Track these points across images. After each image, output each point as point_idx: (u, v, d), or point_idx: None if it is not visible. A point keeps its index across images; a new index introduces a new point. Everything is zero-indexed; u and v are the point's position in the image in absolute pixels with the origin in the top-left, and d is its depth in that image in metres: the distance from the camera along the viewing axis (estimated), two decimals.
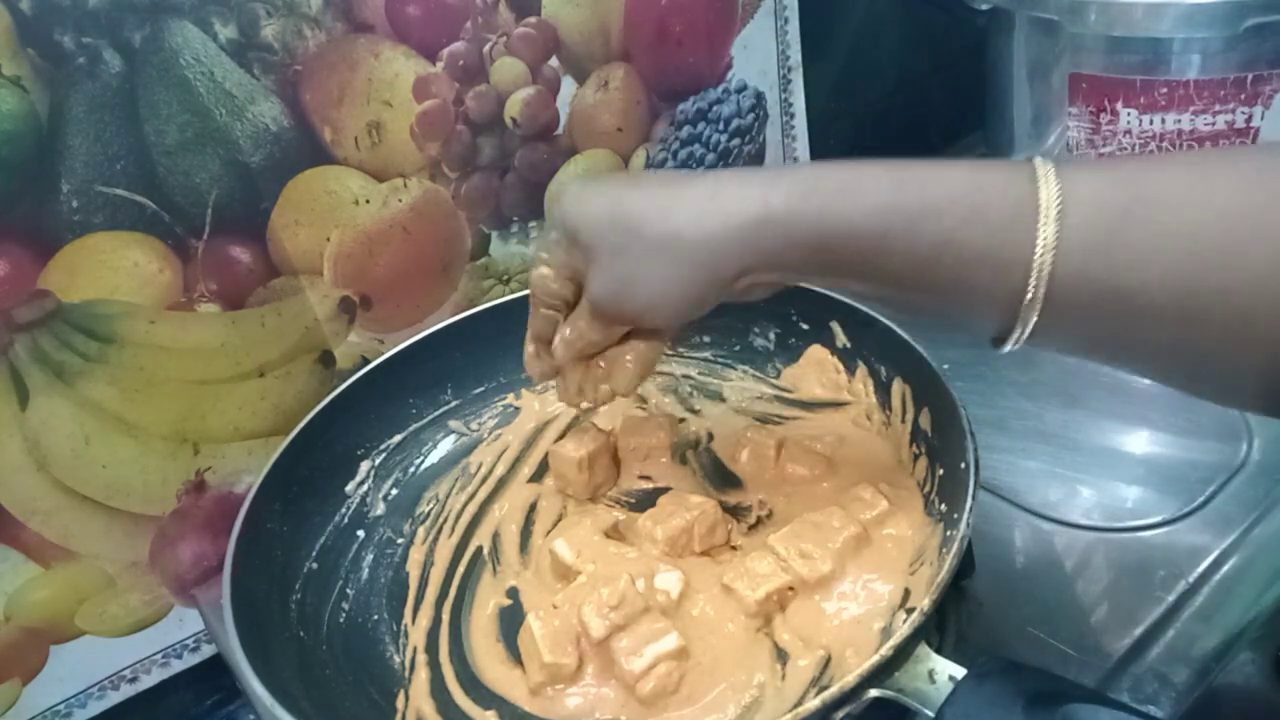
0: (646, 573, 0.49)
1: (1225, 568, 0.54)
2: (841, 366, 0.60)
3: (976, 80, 0.83)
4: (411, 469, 0.62)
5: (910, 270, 0.39)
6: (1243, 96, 0.66)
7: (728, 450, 0.59)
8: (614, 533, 0.53)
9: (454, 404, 0.65)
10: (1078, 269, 0.36)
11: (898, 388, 0.55)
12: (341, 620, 0.53)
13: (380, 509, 0.60)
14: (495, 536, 0.57)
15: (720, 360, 0.66)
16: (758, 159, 0.80)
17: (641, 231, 0.42)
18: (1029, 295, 0.37)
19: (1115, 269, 0.36)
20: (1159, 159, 0.39)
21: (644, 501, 0.57)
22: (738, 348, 0.65)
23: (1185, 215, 0.36)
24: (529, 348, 0.53)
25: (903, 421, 0.54)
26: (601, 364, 0.51)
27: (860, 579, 0.48)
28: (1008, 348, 0.40)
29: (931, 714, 0.38)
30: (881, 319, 0.56)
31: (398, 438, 0.62)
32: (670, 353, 0.67)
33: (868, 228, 0.39)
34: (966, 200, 0.38)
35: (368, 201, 0.62)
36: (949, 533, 0.46)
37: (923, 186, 0.38)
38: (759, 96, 0.78)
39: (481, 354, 0.65)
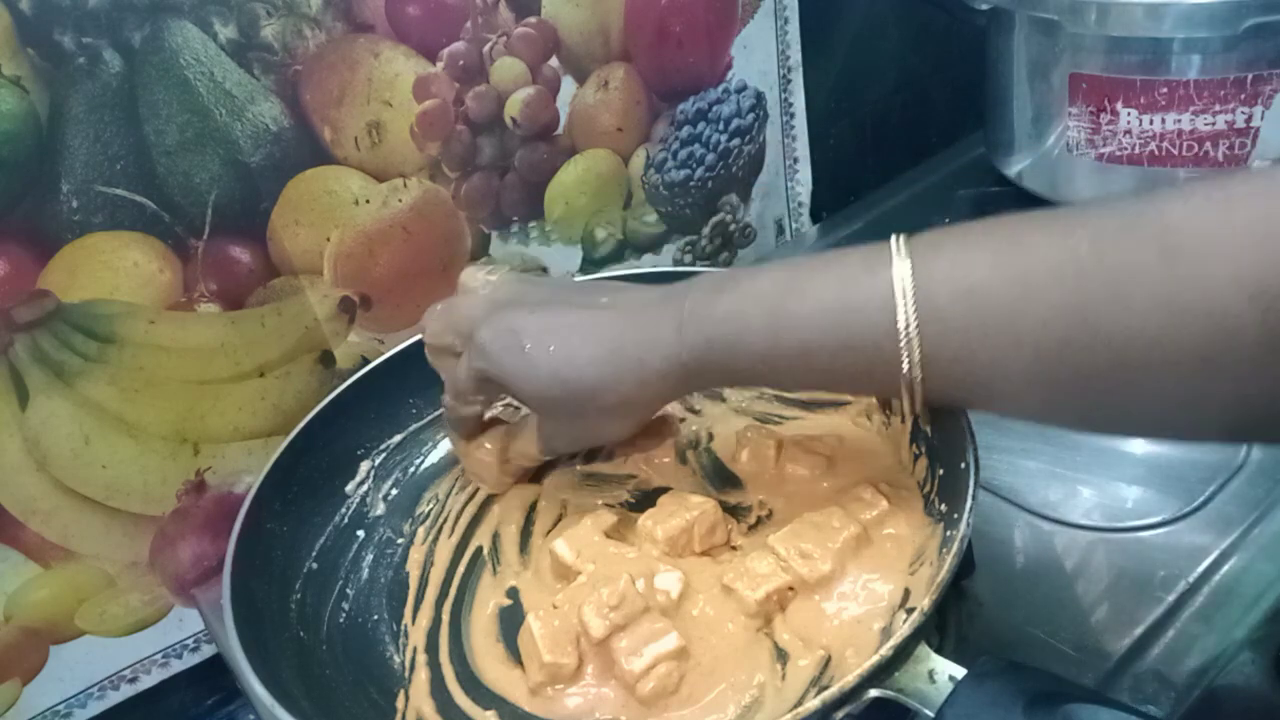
0: (646, 573, 0.49)
1: (1225, 568, 0.54)
2: None
3: (976, 80, 0.83)
4: (411, 469, 0.62)
5: (803, 384, 0.48)
6: (1243, 96, 0.66)
7: (728, 450, 0.59)
8: (614, 533, 0.53)
9: None
10: (946, 372, 0.40)
11: None
12: (341, 620, 0.53)
13: (380, 509, 0.59)
14: (495, 536, 0.57)
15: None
16: (758, 159, 0.80)
17: (594, 402, 0.48)
18: (907, 398, 0.42)
19: (977, 368, 0.40)
20: (996, 242, 0.41)
21: (644, 501, 0.57)
22: None
23: (1029, 307, 0.38)
24: (488, 461, 0.58)
25: (903, 421, 0.54)
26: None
27: (860, 579, 0.48)
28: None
29: (931, 714, 0.38)
30: None
31: (398, 438, 0.62)
32: None
33: (757, 370, 0.45)
34: (835, 334, 0.42)
35: (368, 201, 0.62)
36: (949, 533, 0.46)
37: (795, 331, 0.43)
38: (759, 96, 0.78)
39: None
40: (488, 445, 0.58)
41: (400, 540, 0.58)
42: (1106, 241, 0.37)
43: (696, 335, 0.45)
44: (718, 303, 0.45)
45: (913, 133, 0.95)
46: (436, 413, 0.64)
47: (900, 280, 0.40)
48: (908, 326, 0.40)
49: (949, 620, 0.51)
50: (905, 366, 0.40)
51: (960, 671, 0.39)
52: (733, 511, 0.55)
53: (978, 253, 0.40)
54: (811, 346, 0.42)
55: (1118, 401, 0.38)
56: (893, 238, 0.42)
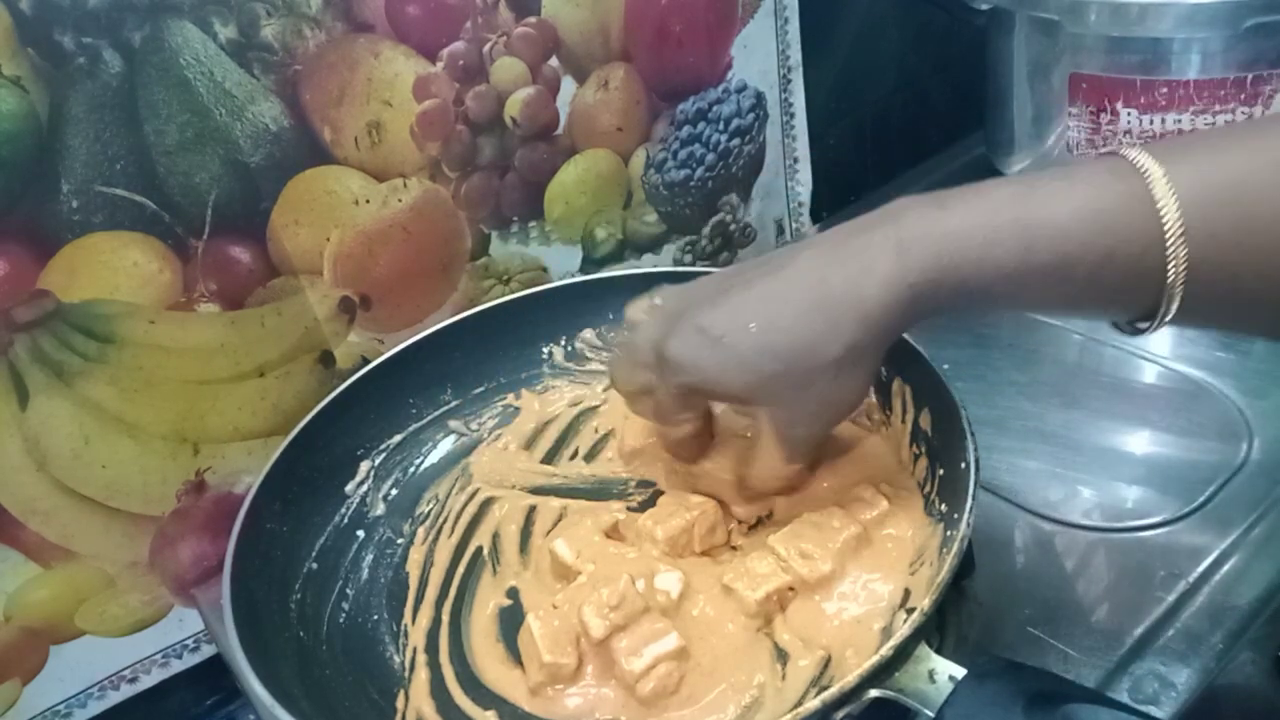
0: (646, 573, 0.49)
1: (1225, 568, 0.54)
2: None
3: (976, 80, 0.83)
4: (411, 469, 0.62)
5: (1049, 304, 0.43)
6: (1243, 96, 0.66)
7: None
8: (614, 533, 0.53)
9: (454, 404, 0.64)
10: (1209, 279, 0.38)
11: (898, 388, 0.55)
12: (341, 620, 0.53)
13: (380, 509, 0.59)
14: (495, 536, 0.57)
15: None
16: (758, 159, 0.80)
17: (817, 360, 0.43)
18: (1163, 308, 0.39)
19: (1244, 267, 0.38)
20: (1241, 140, 0.40)
21: (644, 501, 0.57)
22: None
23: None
24: (728, 481, 0.53)
25: (903, 421, 0.54)
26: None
27: (860, 579, 0.48)
28: (1137, 336, 0.42)
29: (931, 714, 0.38)
30: None
31: (398, 438, 0.62)
32: None
33: (1004, 289, 0.41)
34: (1097, 247, 0.39)
35: (368, 201, 0.62)
36: (949, 533, 0.46)
37: (1052, 243, 0.39)
38: (759, 96, 0.78)
39: (481, 354, 0.65)
40: (725, 477, 0.53)
41: (400, 540, 0.58)
42: None
43: (925, 255, 0.41)
44: (947, 218, 0.41)
45: (913, 133, 0.95)
46: (437, 413, 0.64)
47: (1159, 183, 0.38)
48: (1173, 231, 0.38)
49: (949, 620, 0.52)
50: (1170, 276, 0.38)
51: (960, 671, 0.39)
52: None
53: (1227, 154, 0.39)
54: (1070, 260, 0.39)
55: None
56: (1122, 148, 0.40)
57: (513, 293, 0.68)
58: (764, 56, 0.77)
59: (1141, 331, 0.42)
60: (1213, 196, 0.38)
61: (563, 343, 0.67)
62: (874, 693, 0.39)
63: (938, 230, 0.41)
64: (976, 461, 0.46)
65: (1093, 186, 0.40)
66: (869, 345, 0.43)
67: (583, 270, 0.74)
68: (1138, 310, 0.41)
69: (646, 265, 0.77)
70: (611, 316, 0.68)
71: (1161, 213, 0.38)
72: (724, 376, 0.45)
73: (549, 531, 0.56)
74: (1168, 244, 0.38)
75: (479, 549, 0.57)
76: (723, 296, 0.45)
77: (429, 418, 0.64)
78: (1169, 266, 0.38)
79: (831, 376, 0.44)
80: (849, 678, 0.38)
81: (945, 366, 0.51)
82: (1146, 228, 0.38)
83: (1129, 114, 0.69)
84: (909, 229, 0.41)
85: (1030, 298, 0.42)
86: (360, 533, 0.58)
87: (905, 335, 0.53)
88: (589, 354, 0.67)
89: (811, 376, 0.44)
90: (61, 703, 0.59)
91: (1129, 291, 0.40)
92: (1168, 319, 0.40)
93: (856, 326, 0.42)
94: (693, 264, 0.80)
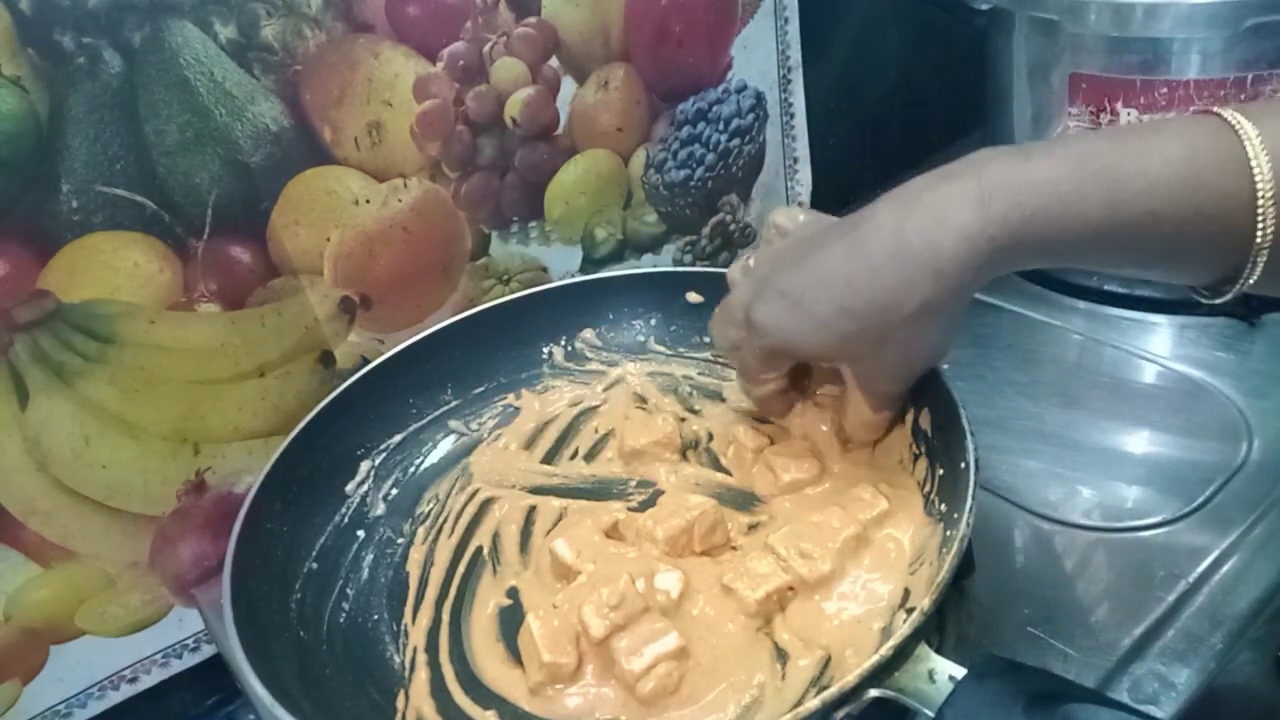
0: (646, 573, 0.49)
1: (1225, 568, 0.54)
2: None
3: (976, 80, 0.83)
4: (411, 469, 0.62)
5: (1129, 262, 0.42)
6: (1243, 97, 0.66)
7: (724, 450, 0.59)
8: (614, 533, 0.53)
9: (454, 404, 0.65)
10: None
11: None
12: (341, 620, 0.53)
13: (380, 509, 0.59)
14: (495, 536, 0.57)
15: (720, 360, 0.66)
16: (758, 159, 0.80)
17: (893, 316, 0.42)
18: (1247, 271, 0.39)
19: None
20: None
21: (644, 501, 0.57)
22: None
23: None
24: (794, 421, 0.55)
25: (903, 421, 0.54)
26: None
27: (860, 579, 0.48)
28: (1217, 301, 0.42)
29: (931, 714, 0.38)
30: None
31: (398, 438, 0.62)
32: (670, 353, 0.67)
33: (1087, 244, 0.40)
34: (1186, 204, 0.38)
35: (368, 201, 0.62)
36: (949, 533, 0.46)
37: (1138, 199, 0.39)
38: (759, 96, 0.78)
39: (481, 354, 0.65)
40: (823, 428, 0.54)
41: (400, 540, 0.58)
42: None
43: (1008, 206, 0.39)
44: (1032, 169, 0.40)
45: (913, 133, 0.95)
46: (437, 413, 0.64)
47: (1252, 142, 0.38)
48: (1266, 191, 0.37)
49: (949, 620, 0.52)
50: (1259, 237, 0.38)
51: (960, 671, 0.39)
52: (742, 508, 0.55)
53: None
54: (1158, 215, 0.38)
55: None
56: (1215, 106, 0.39)
57: (513, 293, 0.68)
58: (764, 56, 0.77)
59: (1222, 295, 0.41)
60: None
61: (563, 343, 0.67)
62: (874, 692, 0.39)
63: (1022, 181, 0.40)
64: (976, 461, 0.46)
65: (1184, 142, 0.39)
66: (946, 300, 0.42)
67: (583, 270, 0.74)
68: (1218, 272, 0.40)
69: (646, 265, 0.77)
70: (611, 316, 0.68)
71: (1255, 172, 0.37)
72: (803, 338, 0.45)
73: (549, 531, 0.56)
74: (1259, 204, 0.37)
75: (479, 549, 0.57)
76: (806, 257, 0.45)
77: (429, 418, 0.64)
78: (1258, 227, 0.38)
79: (908, 332, 0.43)
80: (849, 678, 0.38)
81: (945, 366, 0.51)
82: (1238, 187, 0.38)
83: (1129, 114, 0.69)
84: (991, 179, 0.40)
85: (1112, 253, 0.41)
86: (360, 532, 0.58)
87: None
88: (589, 354, 0.67)
89: (888, 333, 0.43)
90: (61, 703, 0.59)
91: (1213, 252, 0.39)
92: (1250, 282, 0.39)
93: (932, 282, 0.41)
94: (692, 264, 0.80)
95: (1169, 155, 0.39)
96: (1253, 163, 0.38)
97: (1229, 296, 0.41)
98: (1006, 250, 0.40)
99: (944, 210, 0.41)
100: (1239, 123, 0.38)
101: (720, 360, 0.66)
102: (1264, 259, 0.39)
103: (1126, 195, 0.39)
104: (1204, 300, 0.43)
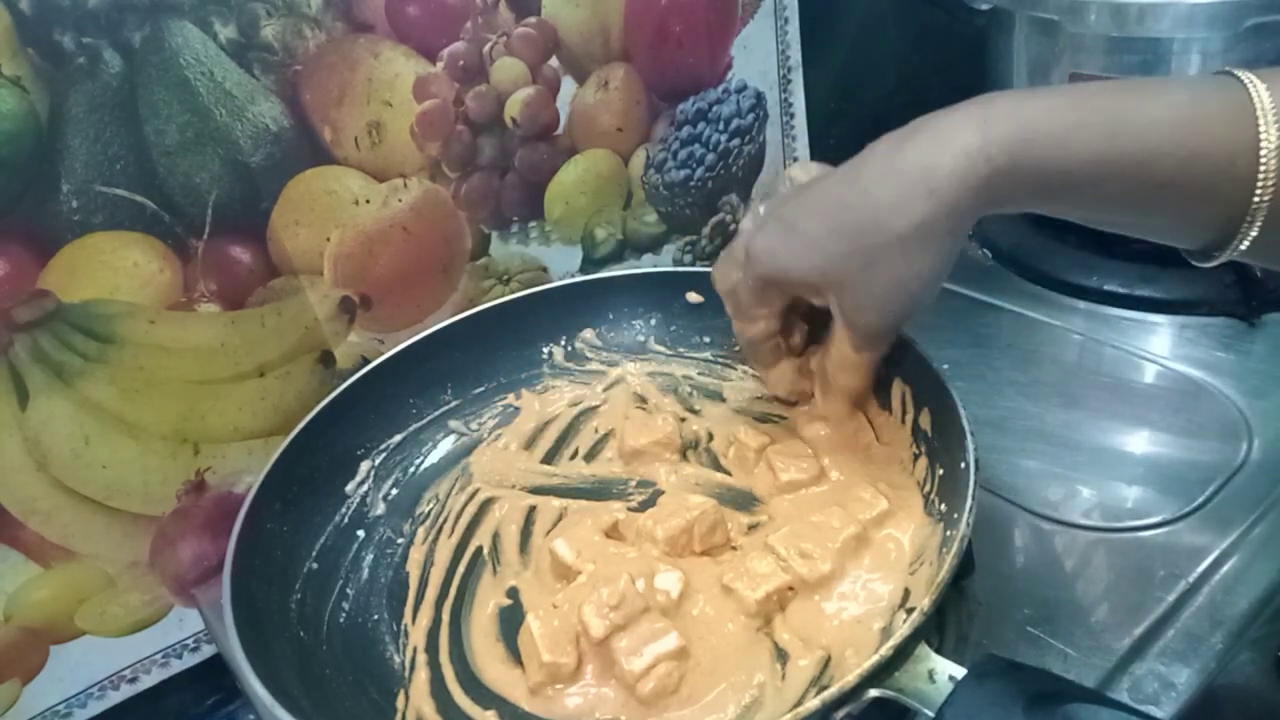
0: (646, 573, 0.49)
1: (1225, 568, 0.54)
2: None
3: (976, 80, 0.83)
4: (411, 469, 0.62)
5: (1126, 203, 0.40)
6: None
7: (725, 450, 0.59)
8: (614, 533, 0.53)
9: (454, 404, 0.65)
10: None
11: (897, 388, 0.55)
12: (341, 620, 0.53)
13: (380, 509, 0.59)
14: (495, 536, 0.57)
15: (720, 360, 0.66)
16: (758, 159, 0.80)
17: (883, 235, 0.41)
18: (1242, 231, 0.39)
19: None
20: None
21: (644, 501, 0.57)
22: (737, 348, 0.65)
23: None
24: (776, 373, 0.54)
25: (902, 421, 0.54)
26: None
27: (860, 579, 0.48)
28: (1209, 264, 0.41)
29: (931, 714, 0.38)
30: None
31: (398, 438, 0.62)
32: (670, 353, 0.67)
33: (1085, 175, 0.39)
34: (1187, 144, 0.38)
35: (368, 201, 0.62)
36: (949, 533, 0.46)
37: (1141, 133, 0.38)
38: (759, 96, 0.78)
39: (481, 354, 0.65)
40: (822, 431, 0.55)
41: (400, 540, 0.58)
42: None
43: (1008, 130, 0.39)
44: (1034, 98, 0.40)
45: None
46: (437, 413, 0.64)
47: (1260, 95, 0.38)
48: (1269, 142, 0.37)
49: (949, 620, 0.51)
50: (1258, 191, 0.38)
51: (960, 671, 0.39)
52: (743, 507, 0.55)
53: None
54: (1159, 152, 0.38)
55: None
56: (1223, 69, 0.39)
57: (513, 293, 0.68)
58: (764, 56, 0.77)
59: (1213, 259, 0.41)
60: None
61: (563, 343, 0.67)
62: (874, 692, 0.39)
63: (1023, 106, 0.40)
64: (976, 461, 0.46)
65: (1192, 89, 0.39)
66: (939, 222, 0.41)
67: (583, 270, 0.74)
68: (1215, 229, 0.40)
69: (646, 265, 0.78)
70: (611, 316, 0.68)
71: (1260, 124, 0.37)
72: (794, 260, 0.45)
73: (549, 531, 0.56)
74: (1261, 155, 0.37)
75: (479, 549, 0.57)
76: (806, 188, 0.45)
77: (429, 418, 0.64)
78: (1258, 180, 0.37)
79: (897, 254, 0.42)
80: (849, 677, 0.38)
81: (945, 366, 0.51)
82: (1240, 135, 0.38)
83: None
84: (994, 106, 0.40)
85: (1110, 192, 0.40)
86: (360, 532, 0.58)
87: (905, 335, 0.53)
88: (589, 354, 0.67)
89: (876, 254, 0.42)
90: (61, 703, 0.59)
91: (1211, 202, 0.39)
92: (1244, 245, 0.39)
93: (925, 199, 0.40)
94: (693, 264, 0.80)
95: (1175, 97, 0.39)
96: (1258, 113, 0.38)
97: (1219, 260, 0.41)
98: (1003, 174, 0.39)
99: (944, 132, 0.41)
100: (1249, 79, 0.38)
101: (721, 359, 0.66)
102: (1261, 219, 0.38)
103: (1128, 128, 0.38)
104: (1195, 263, 0.42)
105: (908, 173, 0.41)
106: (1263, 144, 0.37)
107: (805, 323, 0.54)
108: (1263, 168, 0.37)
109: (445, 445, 0.63)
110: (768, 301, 0.50)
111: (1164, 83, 0.40)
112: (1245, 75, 0.39)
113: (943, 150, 0.40)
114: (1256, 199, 0.38)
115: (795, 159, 0.83)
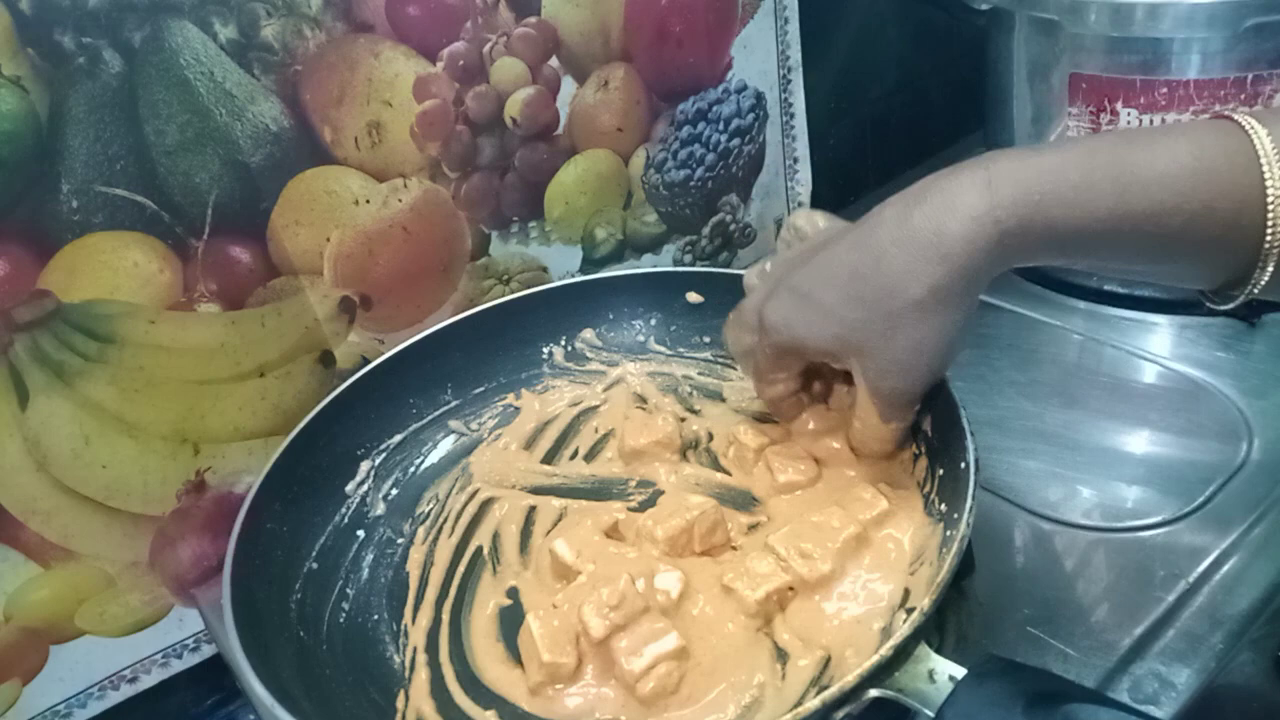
0: (646, 573, 0.49)
1: (1225, 568, 0.54)
2: None
3: (976, 80, 0.83)
4: (411, 469, 0.62)
5: (1139, 256, 0.41)
6: (1243, 96, 0.66)
7: (725, 450, 0.59)
8: (614, 533, 0.53)
9: (454, 404, 0.65)
10: None
11: None
12: (341, 620, 0.53)
13: (380, 509, 0.60)
14: (495, 536, 0.57)
15: (720, 360, 0.66)
16: (758, 159, 0.80)
17: (899, 302, 0.42)
18: (1257, 273, 0.39)
19: None
20: None
21: (644, 501, 0.57)
22: None
23: None
24: (799, 423, 0.55)
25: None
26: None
27: (860, 579, 0.48)
28: (1229, 305, 0.42)
29: (931, 714, 0.38)
30: None
31: (398, 438, 0.62)
32: (670, 353, 0.67)
33: (1095, 232, 0.40)
34: (1195, 197, 0.38)
35: (368, 201, 0.62)
36: (949, 533, 0.46)
37: (1147, 190, 0.39)
38: (759, 96, 0.78)
39: (481, 354, 0.65)
40: (834, 445, 0.54)
41: (400, 540, 0.58)
42: None
43: (1015, 192, 0.39)
44: (1038, 159, 0.40)
45: (913, 133, 0.95)
46: (437, 413, 0.64)
47: (1263, 142, 0.38)
48: (1276, 189, 0.37)
49: (949, 620, 0.52)
50: (1269, 237, 0.38)
51: (960, 671, 0.39)
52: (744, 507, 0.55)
53: None
54: (1167, 208, 0.38)
55: None
56: (1224, 113, 0.40)
57: (513, 293, 0.68)
58: (764, 56, 0.77)
59: (1232, 300, 0.42)
60: None
61: (563, 343, 0.67)
62: (874, 692, 0.39)
63: (1030, 166, 0.40)
64: (976, 461, 0.46)
65: (1194, 139, 0.39)
66: (954, 286, 0.41)
67: (583, 270, 0.74)
68: (1229, 273, 0.40)
69: (646, 265, 0.77)
70: (611, 316, 0.68)
71: (1265, 171, 0.38)
72: (811, 330, 0.45)
73: (549, 531, 0.56)
74: (1269, 203, 0.37)
75: (479, 549, 0.57)
76: (816, 255, 0.45)
77: (429, 418, 0.64)
78: (1268, 228, 0.38)
79: (916, 320, 0.42)
80: (849, 677, 0.38)
81: None
82: (1248, 184, 0.38)
83: (1129, 114, 0.69)
84: (999, 167, 0.40)
85: (1121, 247, 0.40)
86: (360, 532, 0.58)
87: None
88: (589, 354, 0.67)
89: (895, 321, 0.43)
90: (61, 703, 0.59)
91: (1222, 251, 0.39)
92: (1259, 286, 0.39)
93: (938, 265, 0.41)
94: (693, 264, 0.80)
95: (1178, 150, 0.39)
96: (1263, 162, 0.38)
97: (1238, 302, 0.42)
98: (1014, 235, 0.40)
99: (951, 197, 0.41)
100: (1250, 124, 0.39)
101: (721, 359, 0.66)
102: (1274, 261, 0.39)
103: (1135, 185, 0.39)
104: (1213, 306, 0.43)
105: (918, 239, 0.41)
106: (1269, 189, 0.38)
107: (823, 372, 0.54)
108: (1271, 212, 0.38)
109: (445, 445, 0.63)
110: (786, 365, 0.51)
111: (1165, 132, 0.40)
112: (1245, 120, 0.39)
113: (951, 215, 0.40)
114: (1268, 243, 0.38)
115: (795, 159, 0.83)
